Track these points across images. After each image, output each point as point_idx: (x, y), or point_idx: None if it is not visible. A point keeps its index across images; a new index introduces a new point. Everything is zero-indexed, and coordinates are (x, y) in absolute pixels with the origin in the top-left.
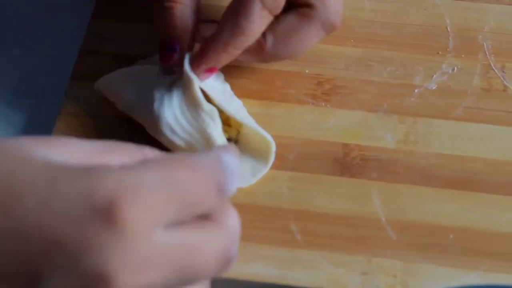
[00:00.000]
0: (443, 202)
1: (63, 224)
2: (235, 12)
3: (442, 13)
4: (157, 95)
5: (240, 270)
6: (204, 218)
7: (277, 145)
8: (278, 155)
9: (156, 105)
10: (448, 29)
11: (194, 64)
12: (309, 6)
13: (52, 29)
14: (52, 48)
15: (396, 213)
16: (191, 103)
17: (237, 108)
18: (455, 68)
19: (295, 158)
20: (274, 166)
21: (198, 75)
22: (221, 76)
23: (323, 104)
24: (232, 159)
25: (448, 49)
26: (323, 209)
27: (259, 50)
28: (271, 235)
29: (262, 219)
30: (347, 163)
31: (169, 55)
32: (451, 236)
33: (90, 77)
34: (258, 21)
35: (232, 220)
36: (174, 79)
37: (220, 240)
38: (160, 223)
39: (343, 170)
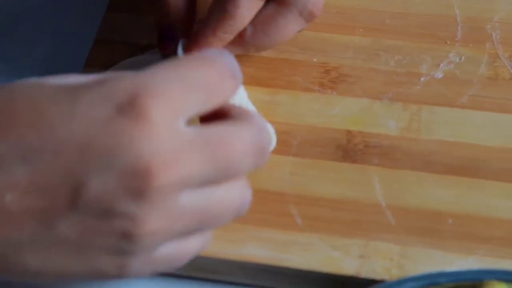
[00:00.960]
0: (443, 188)
1: (91, 128)
2: None
3: (452, 3)
4: None
5: (236, 252)
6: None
7: (282, 132)
8: (282, 141)
9: None
10: (457, 19)
11: (186, 50)
12: None
13: (68, 19)
14: (67, 38)
15: (396, 198)
16: None
17: (239, 97)
18: (462, 57)
19: (298, 144)
20: (278, 152)
21: None
22: None
23: (329, 91)
24: (232, 56)
25: (456, 39)
26: (324, 193)
27: (239, 39)
28: (271, 218)
29: (262, 203)
30: (350, 149)
31: (165, 43)
32: (450, 221)
33: (104, 65)
34: (245, 5)
35: (257, 117)
36: None
37: (249, 131)
38: (183, 114)
39: (345, 156)
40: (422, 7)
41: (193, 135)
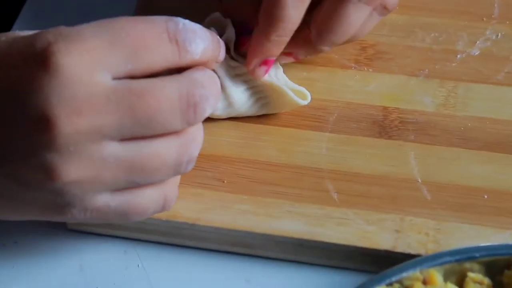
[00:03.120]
0: (478, 163)
1: (12, 72)
2: (268, 1)
3: None
4: None
5: (272, 226)
6: None
7: (318, 108)
8: (318, 117)
9: None
10: None
11: (247, 62)
12: None
13: (99, 17)
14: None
15: (432, 174)
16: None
17: (274, 72)
18: (499, 34)
19: (335, 120)
20: (314, 128)
21: (254, 71)
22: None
23: (365, 68)
24: (190, 22)
25: (492, 16)
26: (360, 169)
27: (307, 42)
28: (307, 194)
29: (298, 178)
30: (386, 125)
31: (244, 38)
32: (485, 197)
33: None
34: (290, 5)
35: (199, 72)
36: None
37: (177, 85)
38: (104, 68)
39: (382, 132)
40: None
41: (113, 87)
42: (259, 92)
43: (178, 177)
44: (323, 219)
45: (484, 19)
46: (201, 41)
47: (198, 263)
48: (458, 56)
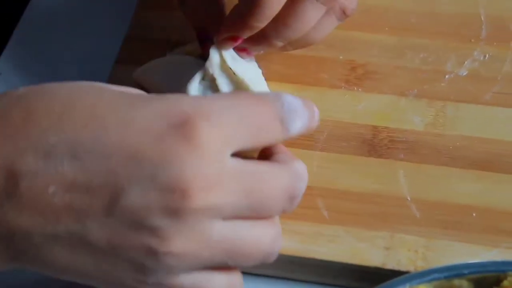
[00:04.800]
0: (467, 182)
1: (143, 139)
2: None
3: (477, 2)
4: (190, 82)
5: None
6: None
7: None
8: (309, 136)
9: (187, 87)
10: (482, 17)
11: (218, 34)
12: None
13: (100, 17)
14: (99, 36)
15: (421, 192)
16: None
17: (254, 72)
18: (487, 55)
19: (325, 139)
20: (305, 146)
21: (221, 42)
22: (254, 62)
23: (355, 88)
24: (293, 99)
25: (480, 37)
26: (350, 187)
27: (262, 38)
28: (298, 211)
29: None
30: (376, 144)
31: (206, 44)
32: (474, 215)
33: (134, 62)
34: None
35: (299, 164)
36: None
37: (287, 177)
38: (230, 145)
39: (371, 150)
40: (447, 6)
41: (236, 167)
42: None
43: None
44: (314, 236)
45: (472, 40)
46: (300, 121)
47: None
48: (447, 76)
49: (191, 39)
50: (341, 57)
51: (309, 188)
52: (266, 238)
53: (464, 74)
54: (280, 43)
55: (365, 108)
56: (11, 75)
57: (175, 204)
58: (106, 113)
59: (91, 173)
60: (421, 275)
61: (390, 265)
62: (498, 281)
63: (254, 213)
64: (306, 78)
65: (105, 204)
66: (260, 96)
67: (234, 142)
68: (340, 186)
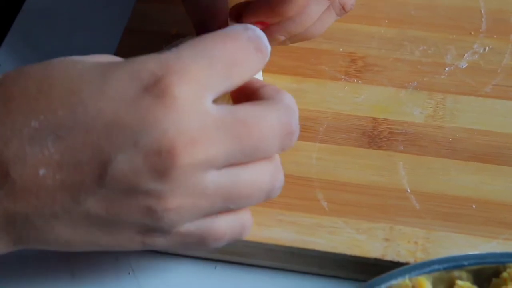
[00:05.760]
0: (466, 174)
1: (118, 107)
2: None
3: None
4: None
5: (263, 235)
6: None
7: (308, 118)
8: (308, 128)
9: None
10: (482, 10)
11: (245, 18)
12: None
13: (100, 10)
14: (99, 28)
15: (420, 184)
16: None
17: None
18: (487, 48)
19: (324, 131)
20: (304, 138)
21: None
22: None
23: (355, 80)
24: (258, 30)
25: (480, 30)
26: (350, 179)
27: (265, 30)
28: (297, 202)
29: (289, 187)
30: (375, 136)
31: None
32: (473, 207)
33: (133, 54)
34: None
35: (288, 97)
36: None
37: (277, 112)
38: (208, 92)
39: (371, 142)
40: None
41: (220, 114)
42: None
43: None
44: (313, 228)
45: (472, 33)
46: (267, 42)
47: (188, 271)
48: (447, 69)
49: (190, 32)
50: (341, 49)
51: (308, 179)
52: (265, 176)
53: (464, 66)
54: (282, 37)
55: (365, 100)
56: (10, 67)
57: (163, 165)
58: (81, 87)
59: (76, 149)
60: (421, 267)
61: (390, 256)
62: (497, 272)
63: (250, 158)
64: (306, 70)
65: (96, 177)
66: (225, 32)
67: (211, 88)
68: (340, 177)
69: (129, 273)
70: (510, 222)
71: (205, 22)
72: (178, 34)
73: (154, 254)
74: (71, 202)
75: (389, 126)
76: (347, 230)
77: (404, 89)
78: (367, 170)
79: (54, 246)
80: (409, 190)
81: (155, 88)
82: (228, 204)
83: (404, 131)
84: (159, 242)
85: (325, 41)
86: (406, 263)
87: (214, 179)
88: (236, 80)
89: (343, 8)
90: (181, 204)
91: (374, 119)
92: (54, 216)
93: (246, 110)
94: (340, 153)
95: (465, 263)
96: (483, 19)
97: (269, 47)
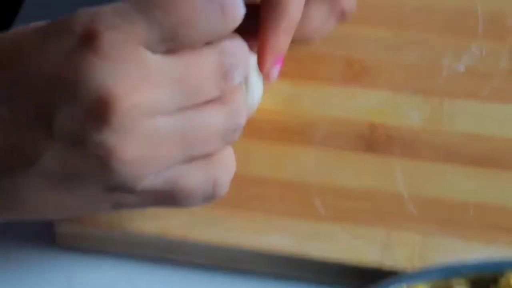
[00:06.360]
0: (464, 179)
1: (56, 62)
2: None
3: None
4: None
5: (261, 242)
6: None
7: (305, 123)
8: (306, 133)
9: None
10: (479, 13)
11: (260, 63)
12: None
13: None
14: None
15: (418, 189)
16: None
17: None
18: (484, 50)
19: (322, 136)
20: (301, 143)
21: (270, 71)
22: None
23: (352, 84)
24: None
25: (477, 33)
26: (347, 184)
27: None
28: (294, 208)
29: (286, 193)
30: (372, 140)
31: None
32: (471, 212)
33: None
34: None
35: (228, 42)
36: None
37: (214, 54)
38: (146, 44)
39: (368, 147)
40: (444, 1)
41: (158, 60)
42: None
43: (230, 162)
44: (311, 234)
45: (469, 36)
46: (241, 8)
47: (188, 278)
48: (444, 72)
49: None
50: (337, 53)
51: (305, 185)
52: (218, 119)
53: (461, 69)
54: None
55: (362, 104)
56: None
57: (106, 114)
58: (26, 48)
59: (23, 109)
60: (419, 275)
61: (387, 262)
62: (495, 280)
63: (195, 99)
64: (303, 74)
65: (44, 133)
66: None
67: (149, 41)
68: (337, 183)
69: (128, 281)
70: (508, 227)
71: None
72: None
73: (153, 262)
74: (26, 161)
75: (386, 131)
76: (344, 236)
77: (401, 93)
78: (364, 175)
79: (23, 214)
80: (406, 196)
81: (89, 40)
82: (187, 150)
83: (401, 136)
84: (129, 201)
85: (322, 44)
86: (404, 269)
87: (165, 124)
88: (183, 42)
89: (343, 14)
90: (135, 155)
91: (371, 123)
92: (13, 182)
93: (185, 53)
94: (337, 158)
95: (464, 271)
96: (480, 22)
97: (241, 9)
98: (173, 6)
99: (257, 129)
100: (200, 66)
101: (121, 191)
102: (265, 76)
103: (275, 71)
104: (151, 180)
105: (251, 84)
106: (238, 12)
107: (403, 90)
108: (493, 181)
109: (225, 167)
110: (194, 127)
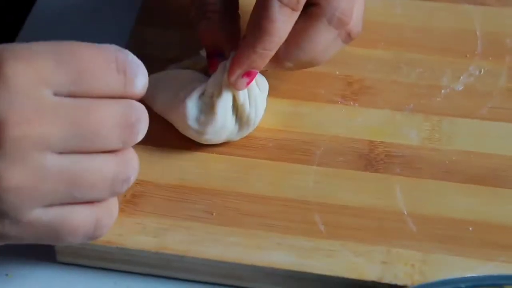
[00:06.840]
0: (463, 196)
1: None
2: (256, 13)
3: (472, 18)
4: (188, 95)
5: (261, 258)
6: None
7: (305, 142)
8: (305, 151)
9: (185, 102)
10: (477, 33)
11: (230, 71)
12: (314, 4)
13: (97, 33)
14: None
15: (417, 207)
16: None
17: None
18: (482, 70)
19: (322, 154)
20: (301, 161)
21: (236, 81)
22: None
23: (351, 103)
24: (135, 57)
25: (476, 52)
26: (347, 201)
27: (273, 57)
28: (295, 226)
29: (286, 211)
30: (372, 159)
31: (214, 61)
32: (470, 229)
33: None
34: (279, 19)
35: (132, 100)
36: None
37: (117, 105)
38: (49, 85)
39: (368, 165)
40: (443, 21)
41: (57, 102)
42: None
43: (113, 207)
44: (311, 251)
45: (468, 55)
46: (143, 77)
47: None
48: (443, 91)
49: (188, 56)
50: (337, 72)
51: (305, 202)
52: (109, 167)
53: (460, 89)
54: (290, 64)
55: (362, 123)
56: None
57: None
58: None
59: None
60: None
61: (387, 279)
62: None
63: (90, 145)
64: (303, 93)
65: None
66: (95, 45)
67: (53, 83)
68: (337, 200)
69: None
70: (507, 244)
71: (217, 45)
72: (176, 58)
73: (153, 278)
74: None
75: (385, 149)
76: (345, 253)
77: (401, 111)
78: (364, 193)
79: None
80: (406, 213)
81: None
82: (73, 192)
83: (400, 154)
84: (11, 231)
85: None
86: (404, 286)
87: (54, 161)
88: (84, 87)
89: (349, 35)
90: (20, 184)
91: (371, 142)
92: None
93: (88, 99)
94: (337, 176)
95: (462, 285)
96: (478, 41)
97: (141, 79)
98: (79, 53)
99: (258, 147)
100: (101, 113)
101: (5, 222)
102: (231, 85)
103: (242, 82)
104: (38, 213)
105: (254, 99)
106: (137, 79)
107: (402, 109)
108: (492, 199)
109: (109, 211)
110: (82, 171)
